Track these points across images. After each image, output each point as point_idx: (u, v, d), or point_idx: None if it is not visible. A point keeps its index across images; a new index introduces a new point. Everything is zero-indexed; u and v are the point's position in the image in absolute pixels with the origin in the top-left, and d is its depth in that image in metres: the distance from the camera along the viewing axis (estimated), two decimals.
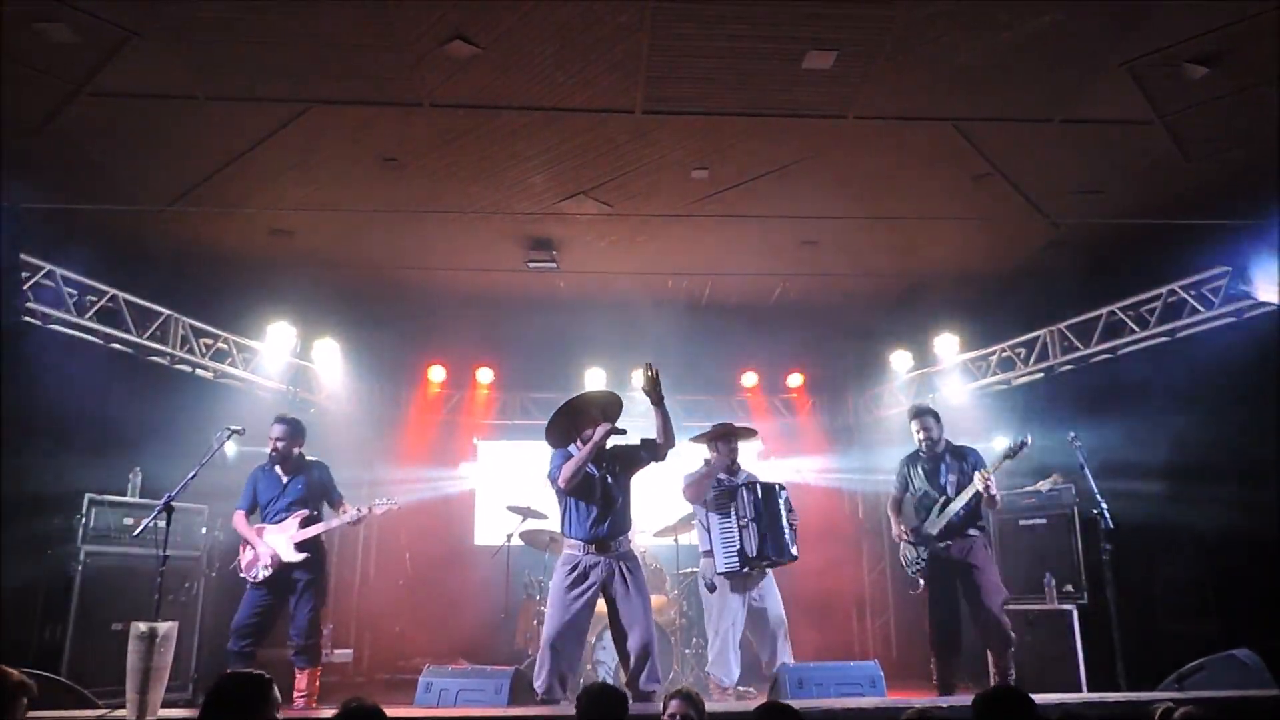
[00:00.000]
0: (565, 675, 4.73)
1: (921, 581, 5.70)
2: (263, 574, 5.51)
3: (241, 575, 5.58)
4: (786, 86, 5.43)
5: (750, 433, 6.17)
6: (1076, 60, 5.17)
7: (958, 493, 5.60)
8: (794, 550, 5.64)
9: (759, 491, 5.62)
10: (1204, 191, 6.46)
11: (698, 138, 6.00)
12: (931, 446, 5.78)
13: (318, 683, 5.64)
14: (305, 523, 5.60)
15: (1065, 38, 4.96)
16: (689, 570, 7.63)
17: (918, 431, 5.83)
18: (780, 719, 3.04)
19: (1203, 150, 6.04)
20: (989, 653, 5.62)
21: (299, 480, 5.74)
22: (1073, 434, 5.47)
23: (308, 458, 5.86)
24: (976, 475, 5.47)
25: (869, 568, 9.77)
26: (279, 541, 5.56)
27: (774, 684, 5.17)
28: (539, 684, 4.69)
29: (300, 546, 5.55)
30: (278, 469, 5.75)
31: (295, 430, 5.77)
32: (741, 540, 5.53)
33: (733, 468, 5.87)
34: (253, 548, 5.57)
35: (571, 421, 5.03)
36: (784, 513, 5.64)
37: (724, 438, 5.90)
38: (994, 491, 5.49)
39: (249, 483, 5.79)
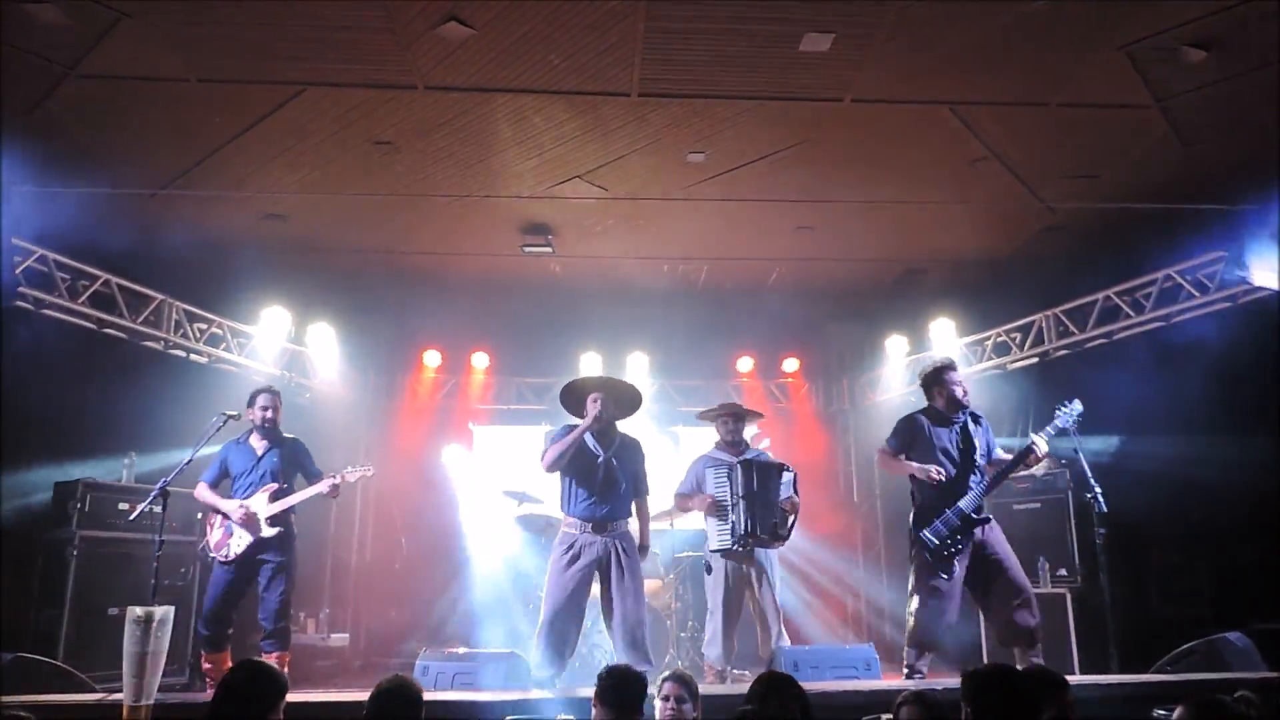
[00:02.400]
0: (563, 655, 4.77)
1: (958, 567, 4.89)
2: (234, 551, 5.33)
3: (211, 555, 5.41)
4: (783, 69, 5.40)
5: (756, 415, 6.21)
6: (1074, 44, 5.15)
7: (986, 462, 5.08)
8: (783, 532, 5.54)
9: (754, 470, 5.56)
10: (1200, 176, 6.45)
11: (694, 121, 5.97)
12: (959, 407, 5.10)
13: (286, 668, 5.54)
14: (275, 496, 5.45)
15: (1063, 21, 4.93)
16: (684, 554, 7.67)
17: (951, 386, 5.12)
18: (780, 687, 3.03)
19: (1200, 135, 6.03)
20: (1015, 650, 4.94)
21: (274, 453, 5.57)
22: (1065, 406, 5.03)
23: (285, 434, 5.73)
24: (1038, 439, 4.91)
25: (863, 549, 9.81)
26: (251, 517, 5.42)
27: (768, 666, 5.20)
28: (536, 664, 4.73)
29: (272, 522, 5.40)
30: (252, 441, 5.60)
31: (280, 401, 5.67)
32: (733, 518, 5.50)
33: (737, 446, 5.85)
34: (223, 523, 5.40)
35: (584, 392, 5.16)
36: (779, 495, 5.55)
37: (727, 417, 5.89)
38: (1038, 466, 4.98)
39: (219, 455, 5.59)
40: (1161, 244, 6.85)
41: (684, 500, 5.84)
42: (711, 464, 5.73)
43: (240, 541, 5.37)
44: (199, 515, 6.72)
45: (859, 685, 4.66)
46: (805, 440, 9.85)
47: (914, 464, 5.02)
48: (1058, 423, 4.98)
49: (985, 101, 5.76)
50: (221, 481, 5.60)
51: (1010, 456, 5.06)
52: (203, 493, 5.56)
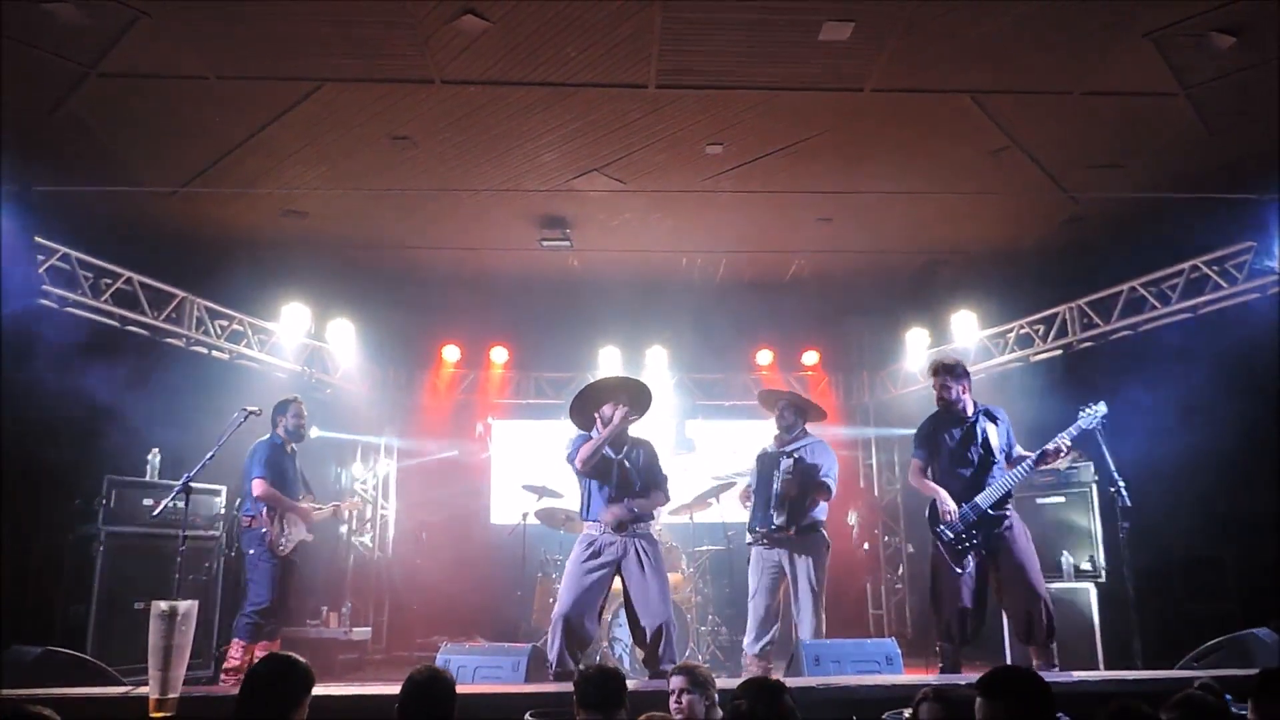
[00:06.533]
0: (577, 650, 4.80)
1: (972, 561, 4.96)
2: (289, 546, 5.68)
3: (278, 549, 5.65)
4: (802, 60, 5.35)
5: (775, 397, 6.11)
6: (1098, 30, 5.06)
7: (1005, 459, 5.07)
8: (776, 520, 5.45)
9: (764, 463, 5.75)
10: (1228, 165, 6.34)
11: (712, 113, 5.93)
12: (950, 407, 5.15)
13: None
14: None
15: (1087, 7, 4.85)
16: (704, 548, 7.66)
17: (937, 390, 5.17)
18: (762, 693, 3.01)
19: (1227, 123, 5.92)
20: (1030, 649, 4.98)
21: (297, 460, 5.95)
22: (1089, 408, 5.00)
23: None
24: (1061, 440, 4.86)
25: (884, 544, 9.76)
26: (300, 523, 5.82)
27: (791, 660, 5.19)
28: (551, 657, 4.76)
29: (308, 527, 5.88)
30: (287, 447, 5.89)
31: None
32: (752, 510, 5.78)
33: (781, 438, 5.88)
34: (290, 519, 5.71)
35: (592, 403, 5.12)
36: (776, 481, 5.53)
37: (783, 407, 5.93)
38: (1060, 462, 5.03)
39: (272, 457, 5.73)
40: (1188, 234, 6.75)
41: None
42: (759, 454, 5.91)
43: (294, 538, 5.73)
44: (220, 510, 6.79)
45: (880, 680, 4.63)
46: (825, 433, 9.77)
47: (942, 493, 5.04)
48: (1081, 424, 4.93)
49: (1007, 90, 5.68)
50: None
51: (1029, 455, 5.01)
52: (273, 492, 5.67)
